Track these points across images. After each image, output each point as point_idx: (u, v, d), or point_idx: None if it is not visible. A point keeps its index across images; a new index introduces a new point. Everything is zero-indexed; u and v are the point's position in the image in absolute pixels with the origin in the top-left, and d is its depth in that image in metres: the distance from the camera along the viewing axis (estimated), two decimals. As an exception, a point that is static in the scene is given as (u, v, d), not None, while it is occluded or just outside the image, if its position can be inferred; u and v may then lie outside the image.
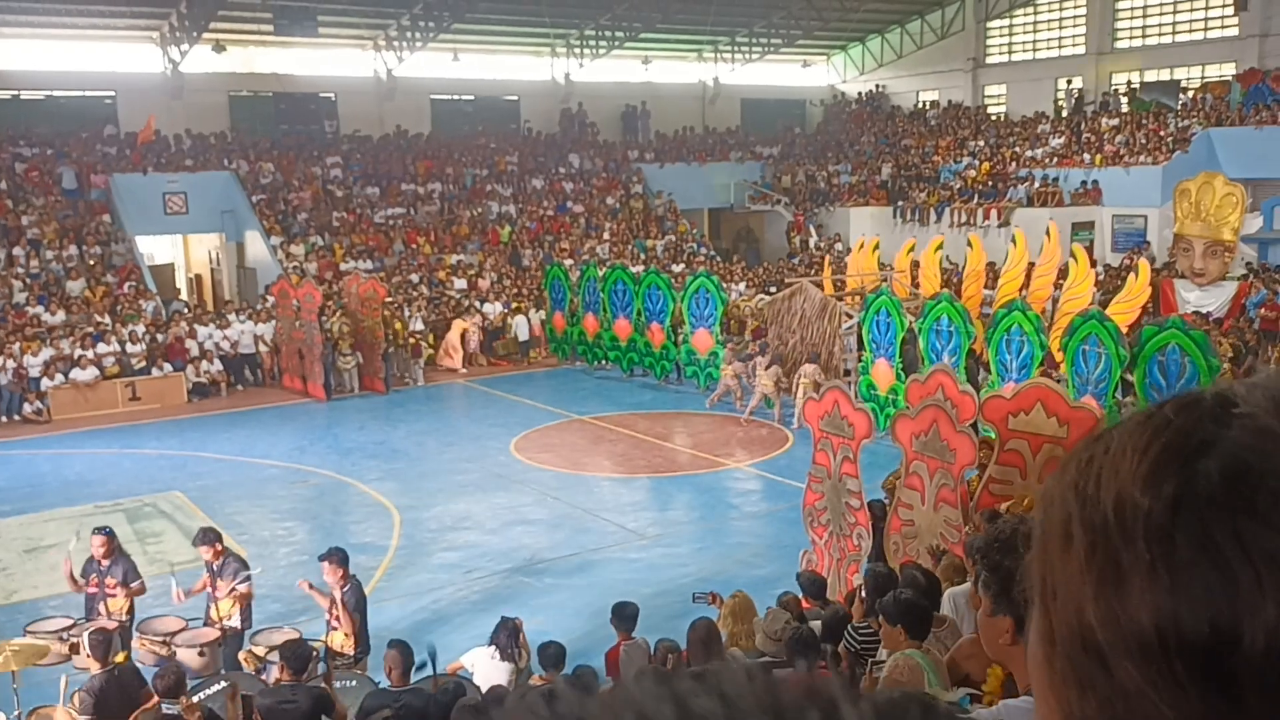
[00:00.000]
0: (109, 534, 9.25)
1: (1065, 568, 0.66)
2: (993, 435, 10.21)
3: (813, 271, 26.45)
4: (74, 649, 8.39)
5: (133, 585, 9.08)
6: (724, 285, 23.99)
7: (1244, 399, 0.65)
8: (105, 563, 9.09)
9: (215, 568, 9.09)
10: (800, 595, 8.53)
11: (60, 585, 11.56)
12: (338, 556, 8.73)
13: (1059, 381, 13.33)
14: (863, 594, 7.27)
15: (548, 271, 25.70)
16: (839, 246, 31.85)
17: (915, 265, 23.06)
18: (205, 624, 9.07)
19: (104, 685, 7.13)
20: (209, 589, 9.16)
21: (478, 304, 26.13)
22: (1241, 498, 0.61)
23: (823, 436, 10.62)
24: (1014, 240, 21.20)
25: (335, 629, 8.71)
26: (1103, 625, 0.63)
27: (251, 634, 9.00)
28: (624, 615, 8.12)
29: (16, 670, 7.72)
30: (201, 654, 8.60)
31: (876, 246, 23.67)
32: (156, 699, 6.97)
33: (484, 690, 7.25)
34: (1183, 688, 0.60)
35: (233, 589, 8.95)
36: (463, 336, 24.74)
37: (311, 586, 8.90)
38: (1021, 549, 2.02)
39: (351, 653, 8.59)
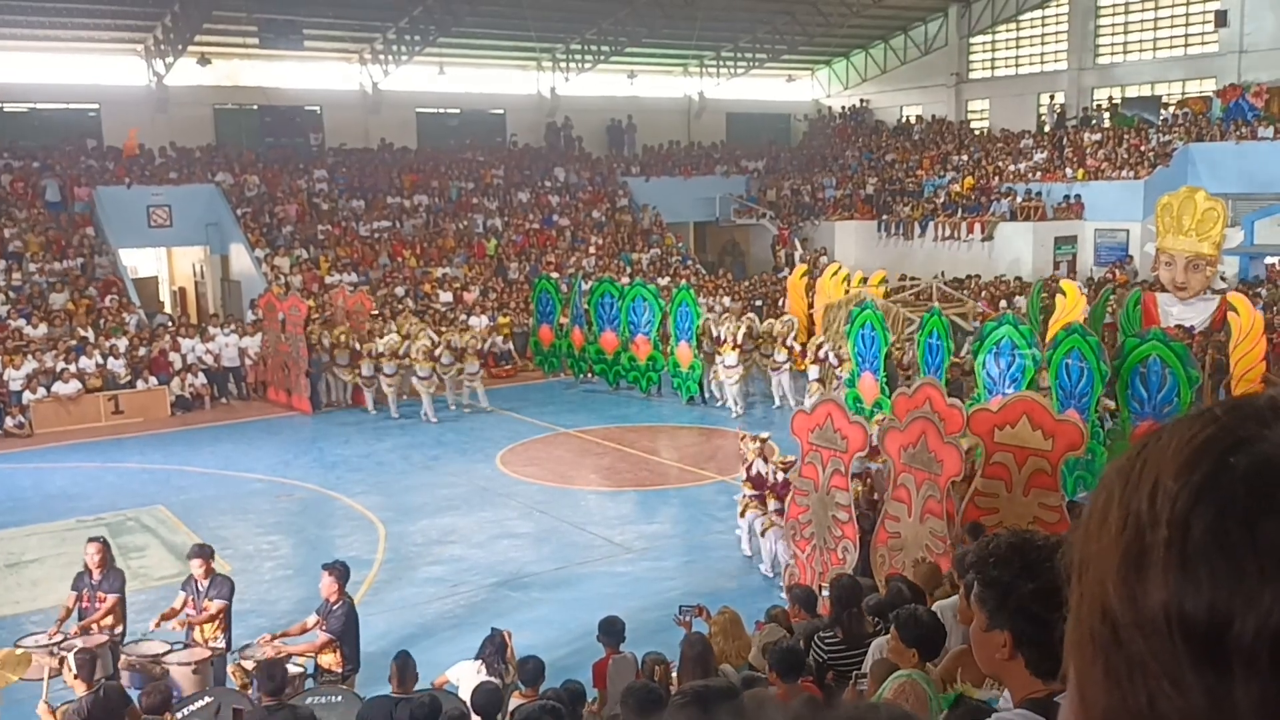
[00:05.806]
0: (104, 543, 9.07)
1: (1099, 544, 0.69)
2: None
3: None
4: (64, 662, 8.26)
5: (108, 598, 8.88)
6: (707, 298, 23.93)
7: None
8: (98, 574, 8.89)
9: (202, 587, 8.89)
10: (787, 608, 8.53)
11: (41, 601, 11.55)
12: (338, 570, 8.68)
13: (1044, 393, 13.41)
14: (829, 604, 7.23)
15: (535, 284, 25.66)
16: (824, 260, 31.92)
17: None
18: (185, 646, 8.86)
19: (91, 707, 6.80)
20: (190, 609, 8.90)
21: (464, 317, 26.11)
22: (1261, 492, 0.64)
23: (811, 450, 10.63)
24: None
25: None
26: (1120, 599, 0.67)
27: (240, 648, 8.90)
28: (611, 630, 8.11)
29: (1, 686, 7.65)
30: (196, 672, 8.43)
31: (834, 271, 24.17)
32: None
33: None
34: (1180, 664, 0.64)
35: (221, 606, 8.82)
36: None
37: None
38: (1016, 562, 2.04)
39: (339, 670, 8.53)
